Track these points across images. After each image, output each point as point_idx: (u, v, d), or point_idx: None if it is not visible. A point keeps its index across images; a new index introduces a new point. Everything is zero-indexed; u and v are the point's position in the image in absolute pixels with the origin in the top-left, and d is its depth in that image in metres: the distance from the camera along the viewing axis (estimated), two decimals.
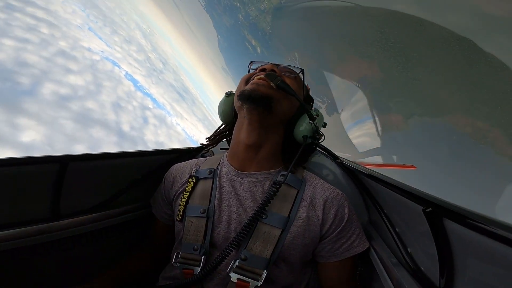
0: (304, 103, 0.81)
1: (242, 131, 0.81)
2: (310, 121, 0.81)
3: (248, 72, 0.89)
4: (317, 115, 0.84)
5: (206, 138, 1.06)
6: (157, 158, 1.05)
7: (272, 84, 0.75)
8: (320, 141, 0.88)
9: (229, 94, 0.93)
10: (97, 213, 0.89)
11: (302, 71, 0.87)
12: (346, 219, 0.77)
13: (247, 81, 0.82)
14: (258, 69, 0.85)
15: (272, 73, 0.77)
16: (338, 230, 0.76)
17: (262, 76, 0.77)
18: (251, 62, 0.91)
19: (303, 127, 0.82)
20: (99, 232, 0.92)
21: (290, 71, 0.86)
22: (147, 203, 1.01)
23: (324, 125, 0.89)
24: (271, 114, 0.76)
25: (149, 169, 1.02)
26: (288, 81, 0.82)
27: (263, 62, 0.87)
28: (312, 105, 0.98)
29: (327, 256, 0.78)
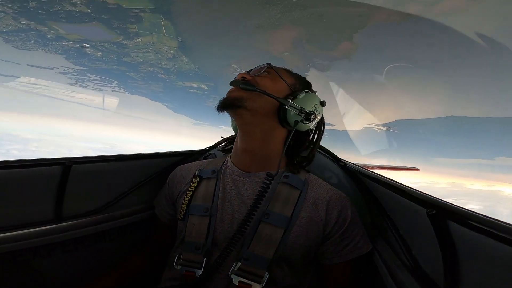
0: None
1: (239, 138, 0.86)
2: (285, 105, 0.78)
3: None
4: (297, 96, 0.81)
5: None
6: (161, 161, 1.05)
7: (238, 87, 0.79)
8: (314, 119, 0.81)
9: None
10: (101, 215, 0.89)
11: (268, 64, 0.87)
12: (349, 220, 0.78)
13: None
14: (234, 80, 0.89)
15: (236, 80, 0.81)
16: (341, 231, 0.77)
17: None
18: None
19: (291, 114, 0.79)
20: (102, 234, 0.93)
21: (259, 70, 0.88)
22: (151, 205, 1.01)
23: (323, 103, 0.85)
24: (250, 113, 0.78)
25: (152, 171, 1.03)
26: (260, 80, 0.82)
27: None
28: (306, 90, 0.88)
29: (331, 257, 0.78)
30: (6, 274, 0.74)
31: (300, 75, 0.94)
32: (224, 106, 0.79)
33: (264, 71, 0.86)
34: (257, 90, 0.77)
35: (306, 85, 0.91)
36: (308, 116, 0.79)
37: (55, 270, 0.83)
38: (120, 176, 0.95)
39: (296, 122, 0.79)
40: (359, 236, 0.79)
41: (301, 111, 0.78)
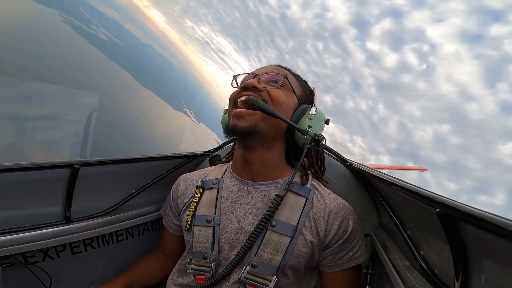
0: (289, 121, 0.74)
1: (239, 149, 0.83)
2: (304, 136, 0.75)
3: (232, 83, 0.86)
4: (312, 116, 0.78)
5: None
6: (167, 162, 1.06)
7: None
8: (321, 143, 0.79)
9: (226, 111, 0.90)
10: (109, 216, 0.90)
11: (285, 77, 0.80)
12: (350, 231, 0.76)
13: (234, 102, 0.80)
14: (240, 86, 0.80)
15: (252, 98, 0.73)
16: (341, 242, 0.76)
17: (243, 99, 0.74)
18: (234, 77, 0.86)
19: (301, 136, 0.77)
20: (110, 235, 0.94)
21: (274, 79, 0.80)
22: (157, 207, 1.02)
23: (327, 122, 0.82)
24: (262, 135, 0.75)
25: (158, 173, 1.04)
26: (274, 92, 0.77)
27: (245, 74, 0.86)
28: (313, 101, 0.90)
29: (329, 265, 0.78)
30: (16, 275, 0.75)
31: (303, 80, 0.89)
32: (234, 134, 0.76)
33: (279, 83, 0.79)
34: (280, 117, 0.72)
35: (310, 95, 0.88)
36: (317, 141, 0.77)
37: (64, 271, 0.84)
38: (128, 178, 0.96)
39: (305, 144, 0.78)
40: (357, 246, 0.78)
41: (314, 138, 0.76)
